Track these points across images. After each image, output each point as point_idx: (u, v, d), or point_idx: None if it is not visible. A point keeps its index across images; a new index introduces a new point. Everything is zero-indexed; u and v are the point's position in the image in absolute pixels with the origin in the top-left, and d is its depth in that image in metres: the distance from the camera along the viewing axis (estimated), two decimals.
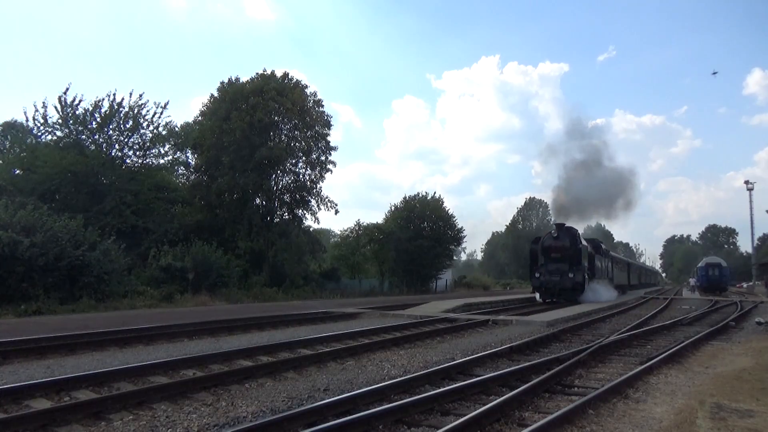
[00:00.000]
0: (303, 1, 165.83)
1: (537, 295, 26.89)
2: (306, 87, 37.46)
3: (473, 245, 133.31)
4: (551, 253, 25.50)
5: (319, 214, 54.99)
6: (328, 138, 38.27)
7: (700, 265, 53.71)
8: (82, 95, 40.31)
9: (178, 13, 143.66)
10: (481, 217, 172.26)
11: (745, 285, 61.27)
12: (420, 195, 50.05)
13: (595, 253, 30.12)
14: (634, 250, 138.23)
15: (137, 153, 31.81)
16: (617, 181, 33.60)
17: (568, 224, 29.17)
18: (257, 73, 36.51)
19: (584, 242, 27.14)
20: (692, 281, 52.80)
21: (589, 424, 5.40)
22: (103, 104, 29.91)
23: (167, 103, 38.13)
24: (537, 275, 25.64)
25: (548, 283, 25.06)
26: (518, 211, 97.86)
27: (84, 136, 30.23)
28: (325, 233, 57.35)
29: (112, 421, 5.36)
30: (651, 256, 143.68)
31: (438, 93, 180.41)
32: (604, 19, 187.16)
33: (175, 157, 38.35)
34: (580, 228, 33.95)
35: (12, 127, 37.94)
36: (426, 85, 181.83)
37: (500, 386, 6.97)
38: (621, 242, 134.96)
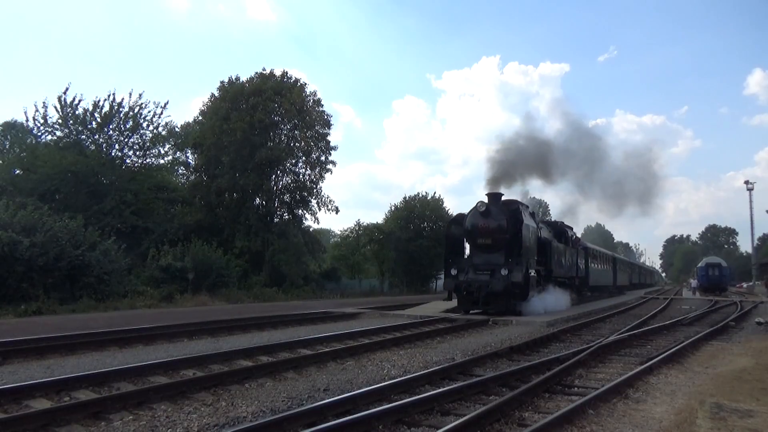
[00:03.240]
0: (304, 1, 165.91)
1: (456, 303, 17.97)
2: (305, 86, 37.48)
3: None
4: (477, 239, 17.05)
5: (319, 214, 55.03)
6: (328, 138, 38.31)
7: (700, 265, 53.63)
8: (82, 95, 40.35)
9: (179, 14, 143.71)
10: None
11: (745, 285, 61.23)
12: (420, 195, 50.05)
13: (557, 241, 21.40)
14: (634, 250, 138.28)
15: (137, 153, 31.85)
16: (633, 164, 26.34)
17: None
18: (256, 73, 36.56)
19: (534, 223, 18.76)
20: (693, 282, 50.35)
21: (589, 424, 5.41)
22: (103, 104, 29.95)
23: (167, 103, 38.27)
24: (453, 272, 17.05)
25: (470, 285, 16.38)
26: None
27: (84, 136, 30.26)
28: (325, 233, 57.36)
29: (112, 421, 5.36)
30: (651, 256, 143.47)
31: (438, 93, 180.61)
32: (605, 19, 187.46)
33: (175, 157, 38.41)
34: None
35: (12, 127, 37.97)
36: (426, 85, 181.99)
37: (500, 386, 6.97)
38: (621, 242, 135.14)
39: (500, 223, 16.97)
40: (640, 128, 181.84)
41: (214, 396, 6.37)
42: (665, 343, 11.39)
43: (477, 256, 17.23)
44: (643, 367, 8.12)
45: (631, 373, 7.50)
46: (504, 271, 16.13)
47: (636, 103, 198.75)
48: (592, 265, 29.29)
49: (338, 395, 6.17)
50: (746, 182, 57.72)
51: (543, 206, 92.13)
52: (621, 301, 28.29)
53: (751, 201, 56.88)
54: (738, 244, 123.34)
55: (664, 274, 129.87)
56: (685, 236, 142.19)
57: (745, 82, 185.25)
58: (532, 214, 19.96)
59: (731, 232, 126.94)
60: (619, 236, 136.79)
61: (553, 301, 18.94)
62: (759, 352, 10.47)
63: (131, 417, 5.50)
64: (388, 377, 7.49)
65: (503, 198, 18.16)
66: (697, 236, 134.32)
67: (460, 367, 8.14)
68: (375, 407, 5.67)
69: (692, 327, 15.01)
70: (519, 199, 19.83)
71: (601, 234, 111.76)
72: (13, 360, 8.51)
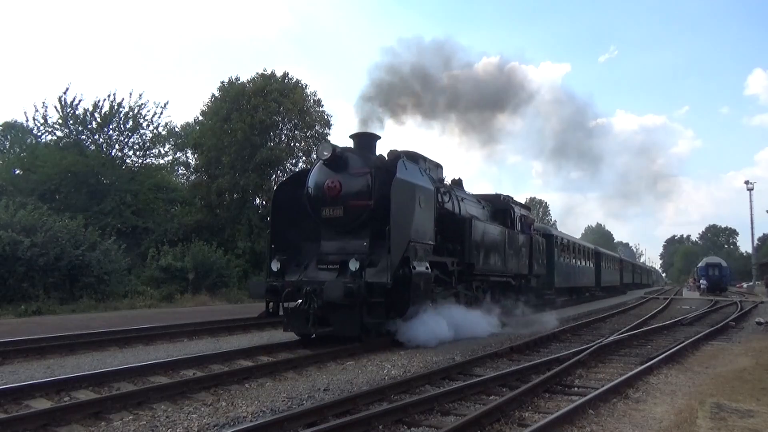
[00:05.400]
0: (305, 1, 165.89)
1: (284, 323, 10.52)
2: (306, 86, 37.53)
3: None
4: (321, 209, 10.44)
5: None
6: (329, 138, 38.37)
7: (700, 265, 53.60)
8: (82, 95, 40.41)
9: (180, 14, 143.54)
10: None
11: (745, 285, 61.21)
12: None
13: (493, 221, 15.10)
14: (635, 250, 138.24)
15: (137, 153, 31.90)
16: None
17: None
18: (258, 73, 36.58)
19: (429, 183, 11.47)
20: (703, 283, 47.33)
21: (589, 424, 5.41)
22: (103, 104, 29.98)
23: (167, 103, 38.24)
24: (275, 266, 10.47)
25: (299, 290, 9.68)
26: None
27: (84, 136, 30.28)
28: None
29: (112, 421, 5.36)
30: (651, 256, 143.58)
31: None
32: (606, 19, 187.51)
33: (175, 157, 38.43)
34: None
35: (12, 127, 37.95)
36: None
37: (500, 386, 6.98)
38: (621, 242, 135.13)
39: (362, 181, 10.17)
40: (641, 128, 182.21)
41: (214, 396, 6.37)
42: (665, 343, 11.39)
43: (327, 241, 10.51)
44: (643, 367, 8.11)
45: (631, 373, 7.50)
46: (353, 265, 9.41)
47: (636, 103, 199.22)
48: (561, 259, 23.03)
49: (338, 395, 6.17)
50: (746, 182, 57.64)
51: (543, 206, 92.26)
52: (621, 300, 28.13)
53: (751, 201, 56.84)
54: (738, 244, 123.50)
55: (664, 275, 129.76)
56: (685, 236, 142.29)
57: (745, 82, 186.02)
58: (454, 187, 13.71)
59: (731, 232, 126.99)
60: (619, 236, 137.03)
61: (468, 316, 11.83)
62: (759, 352, 10.47)
63: (131, 417, 5.50)
64: (388, 377, 7.50)
65: (389, 150, 11.67)
66: (697, 236, 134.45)
67: (460, 367, 8.14)
68: (375, 407, 5.67)
69: (692, 327, 15.01)
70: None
71: (601, 234, 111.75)
72: (13, 360, 8.52)
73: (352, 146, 11.21)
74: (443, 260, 11.79)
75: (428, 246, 10.97)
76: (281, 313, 10.46)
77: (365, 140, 11.27)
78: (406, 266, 9.96)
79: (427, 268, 10.63)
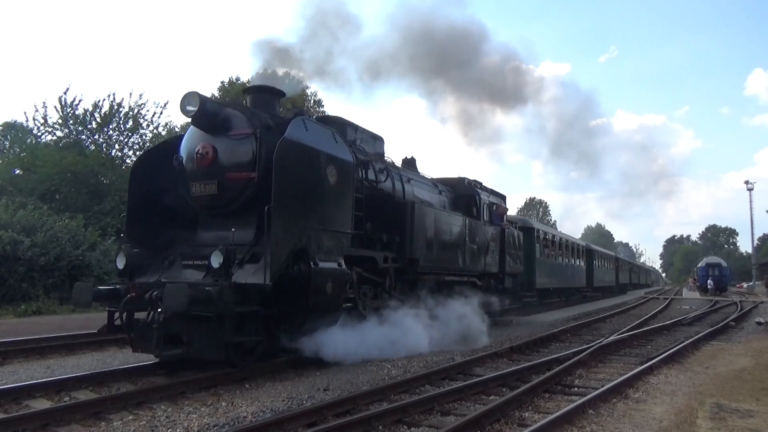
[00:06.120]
0: (304, 1, 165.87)
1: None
2: (307, 87, 37.54)
3: None
4: (192, 184, 7.77)
5: None
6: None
7: (700, 265, 53.62)
8: (82, 95, 40.51)
9: (180, 14, 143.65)
10: None
11: (745, 285, 61.22)
12: None
13: (454, 208, 13.10)
14: (634, 250, 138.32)
15: (137, 153, 31.89)
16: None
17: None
18: (258, 73, 36.61)
19: (348, 154, 8.59)
20: (710, 283, 44.95)
21: (589, 424, 5.41)
22: (103, 104, 30.02)
23: (167, 103, 38.12)
24: (121, 263, 7.71)
25: (146, 295, 6.78)
26: (518, 211, 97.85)
27: (84, 136, 30.33)
28: None
29: (112, 421, 5.36)
30: (651, 256, 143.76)
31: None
32: (606, 19, 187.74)
33: None
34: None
35: (12, 127, 37.97)
36: None
37: (500, 386, 6.99)
38: (621, 242, 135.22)
39: (244, 146, 7.66)
40: (641, 128, 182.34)
41: (214, 396, 6.37)
42: (665, 343, 11.40)
43: (204, 229, 8.18)
44: (643, 367, 8.12)
45: (631, 373, 7.50)
46: (215, 260, 6.95)
47: (636, 103, 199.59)
48: (544, 256, 20.47)
49: (338, 395, 6.18)
50: (746, 182, 57.65)
51: (543, 206, 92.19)
52: (621, 301, 28.09)
53: (751, 201, 56.84)
54: (738, 244, 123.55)
55: (664, 275, 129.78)
56: (685, 236, 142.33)
57: (745, 82, 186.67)
58: (399, 167, 11.68)
59: (731, 232, 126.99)
60: (619, 236, 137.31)
61: (403, 329, 9.19)
62: (759, 352, 10.48)
63: (131, 417, 5.50)
64: (388, 377, 7.50)
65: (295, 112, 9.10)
66: (697, 236, 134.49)
67: (460, 367, 8.15)
68: (375, 407, 5.67)
69: (692, 327, 15.01)
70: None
71: (601, 234, 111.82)
72: (13, 360, 8.52)
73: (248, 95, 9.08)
74: (370, 254, 9.17)
75: (344, 235, 8.36)
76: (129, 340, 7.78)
77: (263, 97, 8.84)
78: (303, 262, 7.48)
79: (340, 264, 8.10)
